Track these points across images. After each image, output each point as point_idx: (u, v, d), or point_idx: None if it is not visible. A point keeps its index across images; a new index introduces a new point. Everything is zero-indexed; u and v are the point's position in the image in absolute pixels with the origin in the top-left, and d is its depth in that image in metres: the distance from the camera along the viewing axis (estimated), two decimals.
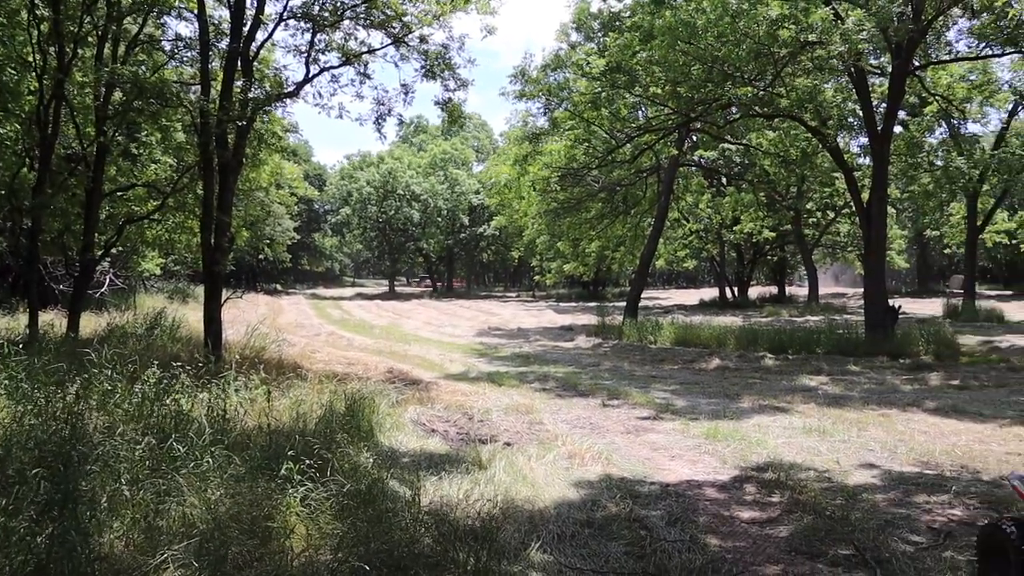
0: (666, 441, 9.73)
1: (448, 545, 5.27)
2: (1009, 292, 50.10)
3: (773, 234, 40.46)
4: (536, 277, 65.62)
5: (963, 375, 15.40)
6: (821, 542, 5.94)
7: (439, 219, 67.28)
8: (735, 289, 46.43)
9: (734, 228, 38.25)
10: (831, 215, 43.10)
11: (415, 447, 8.86)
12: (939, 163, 31.11)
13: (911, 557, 5.64)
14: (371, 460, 7.37)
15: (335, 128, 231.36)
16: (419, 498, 6.15)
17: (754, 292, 50.14)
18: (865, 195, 21.22)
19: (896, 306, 20.49)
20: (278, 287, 59.18)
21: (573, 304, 48.55)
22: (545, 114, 27.07)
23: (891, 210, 44.54)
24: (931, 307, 34.36)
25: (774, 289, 51.72)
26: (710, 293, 52.08)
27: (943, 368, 16.45)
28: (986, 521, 5.45)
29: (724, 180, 40.51)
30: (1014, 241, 43.04)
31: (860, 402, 12.49)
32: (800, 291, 52.48)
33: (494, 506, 6.32)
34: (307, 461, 6.09)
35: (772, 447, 9.16)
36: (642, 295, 56.61)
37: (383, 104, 16.66)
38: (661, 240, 42.71)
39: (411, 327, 29.37)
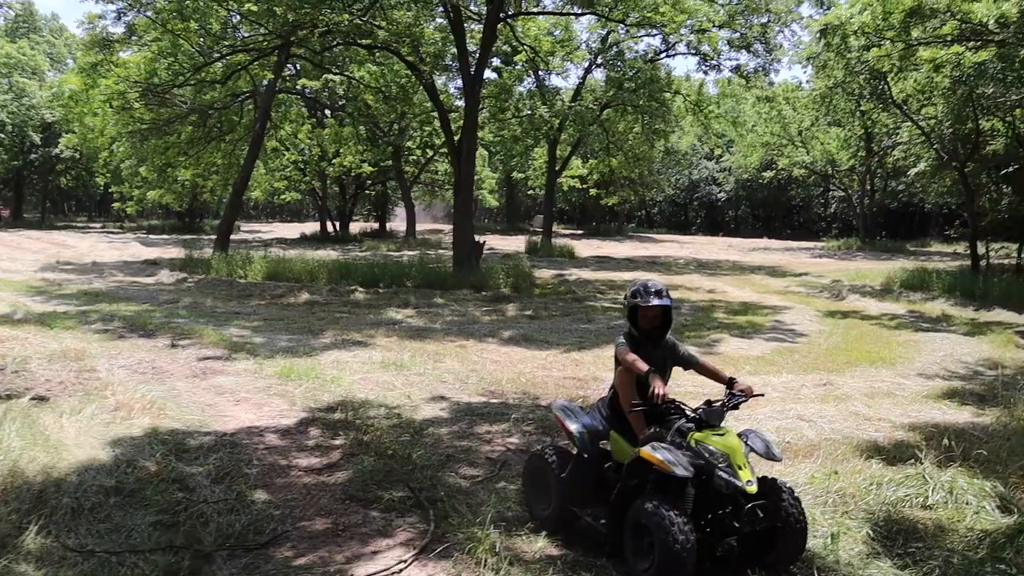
0: (235, 384, 8.86)
1: None
2: (580, 231, 56.04)
3: (373, 169, 40.62)
4: (116, 205, 59.19)
5: (536, 306, 16.52)
6: (379, 486, 5.62)
7: (2, 136, 57.51)
8: (337, 223, 46.14)
9: (334, 161, 37.64)
10: (430, 153, 44.39)
11: None
12: (527, 111, 33.40)
13: (465, 492, 5.55)
14: None
15: None
16: None
17: (357, 227, 50.33)
18: (458, 135, 21.81)
19: (481, 241, 21.46)
20: None
21: (165, 237, 44.70)
22: (120, 19, 23.81)
23: (484, 152, 47.28)
24: (516, 244, 37.06)
25: (376, 224, 52.38)
26: (313, 227, 51.25)
27: (520, 300, 17.54)
28: (536, 449, 5.48)
29: (327, 112, 39.66)
30: (584, 186, 48.07)
31: (441, 334, 12.69)
32: (402, 227, 53.76)
33: None
34: None
35: (347, 384, 8.75)
36: (242, 228, 54.29)
37: None
38: (261, 171, 40.83)
39: None
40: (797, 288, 22.26)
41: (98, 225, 64.73)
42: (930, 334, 14.29)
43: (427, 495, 5.42)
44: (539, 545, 4.68)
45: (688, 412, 4.54)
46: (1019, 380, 9.82)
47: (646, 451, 4.23)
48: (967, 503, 5.23)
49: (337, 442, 6.62)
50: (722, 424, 4.44)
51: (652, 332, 4.83)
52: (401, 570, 4.38)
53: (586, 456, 4.83)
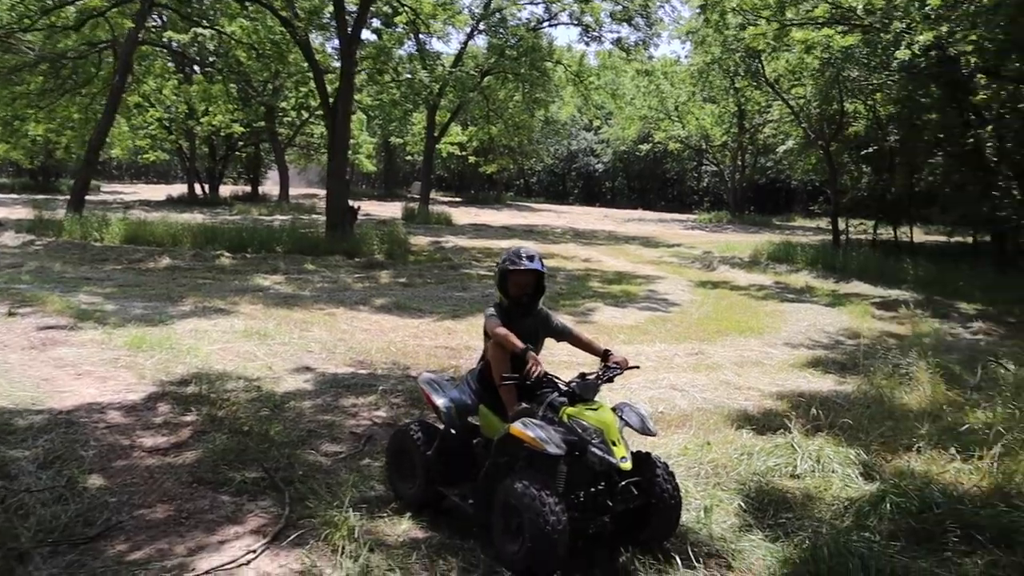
0: (77, 355, 8.11)
1: None
2: (459, 199, 55.59)
3: (245, 130, 38.84)
4: None
5: (410, 273, 16.13)
6: (231, 466, 5.16)
7: None
8: (206, 186, 44.04)
9: (202, 120, 35.68)
10: (305, 115, 42.84)
11: None
12: (407, 75, 32.63)
13: (325, 471, 5.18)
14: None
15: None
16: None
17: (228, 190, 48.24)
18: (334, 97, 20.97)
19: (355, 206, 20.81)
20: None
21: (15, 196, 41.44)
22: None
23: (362, 116, 46.03)
24: (393, 210, 36.26)
25: (248, 188, 50.33)
26: (181, 189, 48.75)
27: (394, 267, 17.09)
28: (401, 425, 5.18)
29: (196, 68, 37.58)
30: (464, 153, 47.61)
31: (310, 301, 12.15)
32: (275, 191, 51.87)
33: None
34: None
35: (204, 355, 8.16)
36: (102, 189, 51.09)
37: None
38: (123, 128, 38.36)
39: None
40: (670, 259, 22.68)
41: None
42: (795, 304, 14.76)
43: (283, 475, 5.01)
44: (403, 527, 4.37)
45: (561, 386, 4.33)
46: (877, 349, 10.19)
47: (516, 428, 3.98)
48: (833, 471, 5.26)
49: (188, 419, 6.09)
50: (596, 398, 4.24)
51: (524, 300, 4.56)
52: (249, 561, 3.97)
53: (453, 432, 4.56)
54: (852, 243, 24.01)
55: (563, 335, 4.73)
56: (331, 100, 20.84)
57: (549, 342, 4.79)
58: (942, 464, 5.40)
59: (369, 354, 8.67)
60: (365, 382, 7.42)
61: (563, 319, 4.90)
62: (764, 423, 6.55)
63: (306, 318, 10.64)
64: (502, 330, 4.32)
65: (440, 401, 4.62)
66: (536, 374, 4.11)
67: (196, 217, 27.49)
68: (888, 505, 4.56)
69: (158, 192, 51.72)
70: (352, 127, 44.41)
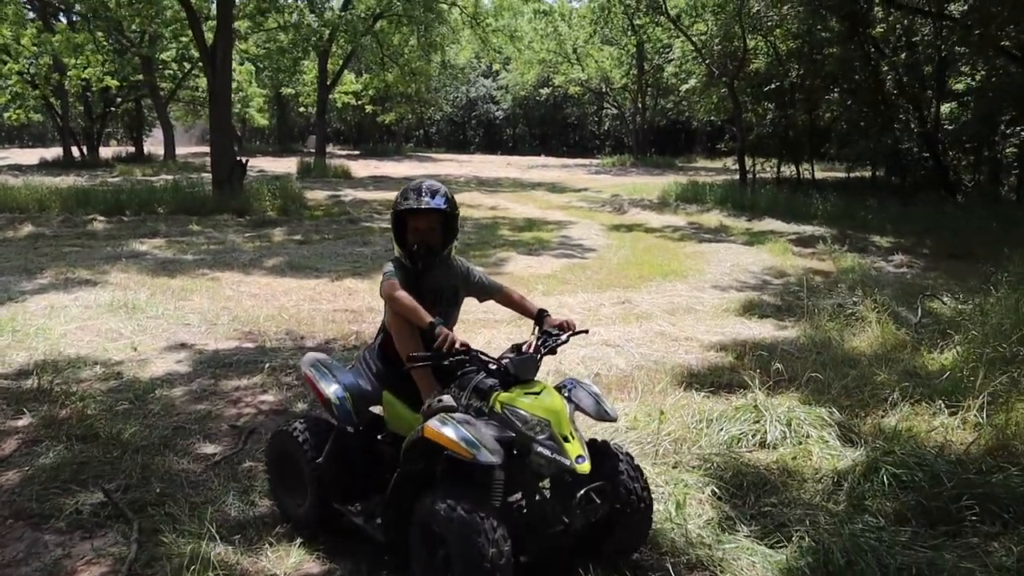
0: None
1: None
2: (357, 152, 53.50)
3: (119, 84, 35.94)
4: None
5: (306, 230, 14.85)
6: (65, 490, 3.99)
7: None
8: (84, 147, 40.86)
9: (69, 73, 32.68)
10: (188, 67, 40.09)
11: None
12: (294, 19, 30.63)
13: (192, 484, 4.07)
14: None
15: None
16: None
17: (111, 152, 45.03)
18: (212, 42, 19.13)
19: (243, 160, 19.19)
20: None
21: None
22: None
23: (251, 67, 43.46)
24: (288, 165, 34.37)
25: (132, 148, 47.07)
26: (57, 152, 45.22)
27: (288, 224, 15.75)
28: (282, 425, 4.04)
29: (62, 16, 34.44)
30: (359, 102, 45.61)
31: (192, 266, 10.81)
32: (162, 150, 48.76)
33: None
34: None
35: (56, 337, 6.86)
36: None
37: None
38: None
39: None
40: (579, 203, 21.95)
41: None
42: (713, 245, 14.21)
43: (133, 497, 3.88)
44: (292, 561, 3.34)
45: (490, 363, 3.22)
46: (815, 288, 9.59)
47: (432, 428, 2.91)
48: (808, 436, 4.48)
49: (20, 423, 4.86)
50: (536, 377, 3.21)
51: (428, 251, 3.46)
52: None
53: (350, 430, 3.49)
54: (758, 181, 23.76)
55: (488, 292, 3.74)
56: (209, 45, 19.02)
57: (468, 303, 3.79)
58: (926, 420, 4.70)
59: (257, 323, 7.52)
60: (251, 358, 6.30)
61: (485, 274, 3.87)
62: (714, 380, 5.77)
63: (186, 285, 9.36)
64: (402, 295, 3.27)
65: (331, 390, 3.49)
66: (450, 348, 3.08)
67: (71, 180, 25.22)
68: (884, 478, 3.81)
69: (32, 156, 47.98)
70: (240, 78, 42.19)
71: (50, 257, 11.65)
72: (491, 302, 3.84)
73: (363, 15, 33.33)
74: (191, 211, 17.11)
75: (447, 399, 3.10)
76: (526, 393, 3.06)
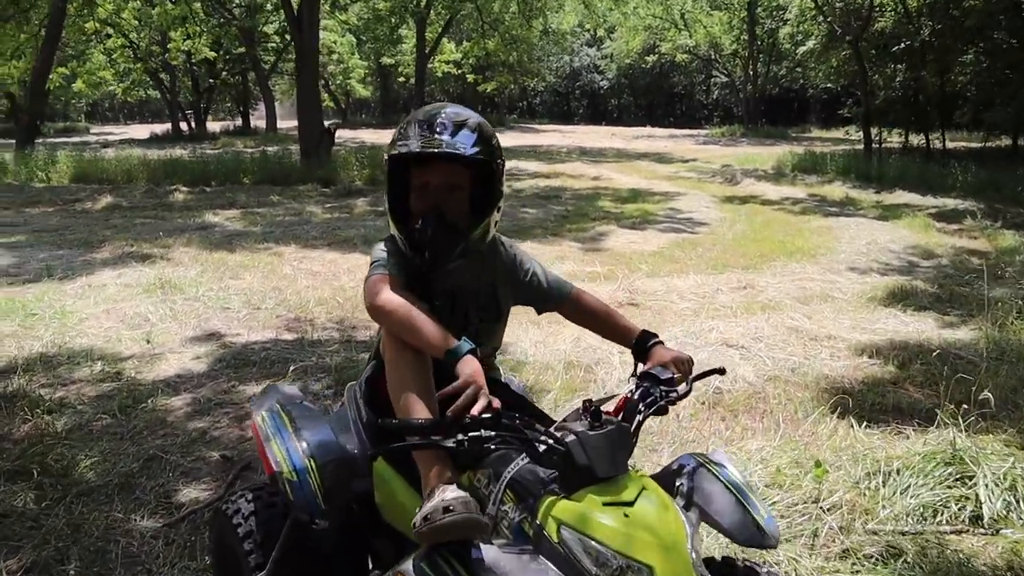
0: None
1: None
2: None
3: (216, 55, 35.81)
4: None
5: None
6: None
7: None
8: (192, 121, 41.28)
9: (169, 47, 32.67)
10: (288, 39, 39.81)
11: None
12: None
13: (128, 560, 2.85)
14: None
15: None
16: None
17: (219, 125, 45.43)
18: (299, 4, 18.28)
19: (331, 126, 18.34)
20: None
21: None
22: None
23: (352, 39, 42.95)
24: (389, 138, 33.62)
25: (240, 122, 47.42)
26: (167, 127, 45.93)
27: (375, 193, 14.73)
28: (222, 502, 2.49)
29: None
30: (459, 71, 44.49)
31: (258, 239, 9.85)
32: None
33: None
34: None
35: (74, 323, 5.87)
36: (91, 130, 48.40)
37: None
38: (98, 58, 35.39)
39: None
40: (687, 174, 20.25)
41: None
42: (840, 219, 12.44)
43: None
44: None
45: (540, 441, 1.65)
46: (976, 273, 7.86)
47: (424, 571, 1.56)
48: None
49: None
50: (630, 462, 1.71)
51: (445, 228, 1.96)
52: None
53: (315, 522, 2.00)
54: (884, 151, 21.48)
55: (551, 299, 2.20)
56: (295, 7, 18.17)
57: (519, 313, 2.29)
58: None
59: (306, 308, 6.39)
60: (284, 355, 5.13)
61: (546, 269, 2.25)
62: (875, 401, 4.28)
63: (243, 261, 8.37)
64: (398, 303, 1.84)
65: (283, 455, 1.98)
66: (478, 415, 1.60)
67: (169, 152, 25.03)
68: None
69: (147, 132, 49.02)
70: (341, 50, 41.70)
71: (117, 229, 10.93)
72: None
73: None
74: (276, 181, 16.47)
75: (458, 502, 1.59)
76: (607, 504, 1.55)
